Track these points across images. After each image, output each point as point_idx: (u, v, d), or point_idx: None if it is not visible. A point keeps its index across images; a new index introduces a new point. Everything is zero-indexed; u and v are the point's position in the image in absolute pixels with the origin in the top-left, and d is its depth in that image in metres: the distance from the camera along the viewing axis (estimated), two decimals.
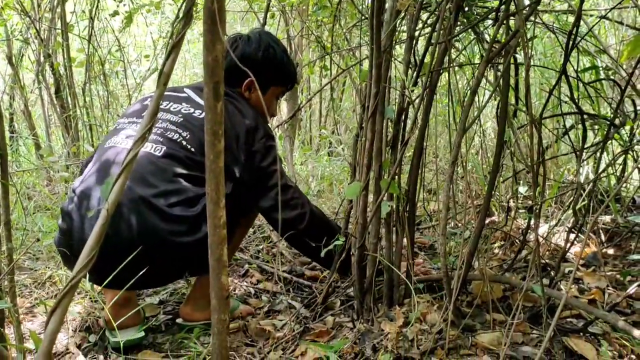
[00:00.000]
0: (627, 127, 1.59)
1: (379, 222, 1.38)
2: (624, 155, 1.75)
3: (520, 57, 1.65)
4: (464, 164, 2.06)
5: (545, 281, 1.40)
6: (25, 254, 1.98)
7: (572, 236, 1.45)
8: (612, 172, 2.02)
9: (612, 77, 1.80)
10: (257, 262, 2.02)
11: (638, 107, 1.52)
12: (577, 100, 1.50)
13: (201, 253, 1.15)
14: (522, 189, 2.32)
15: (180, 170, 1.34)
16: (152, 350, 1.38)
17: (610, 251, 1.86)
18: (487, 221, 1.86)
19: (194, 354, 1.31)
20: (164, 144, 1.37)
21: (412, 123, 1.32)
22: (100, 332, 1.42)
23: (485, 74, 1.48)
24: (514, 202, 2.07)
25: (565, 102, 1.73)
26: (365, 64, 2.32)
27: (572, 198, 1.93)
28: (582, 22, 1.36)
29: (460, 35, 1.93)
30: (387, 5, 1.33)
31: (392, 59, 1.49)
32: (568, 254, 1.69)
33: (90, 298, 1.58)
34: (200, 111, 1.45)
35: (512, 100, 1.58)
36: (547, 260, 1.69)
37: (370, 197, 1.43)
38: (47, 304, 1.52)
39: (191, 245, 1.29)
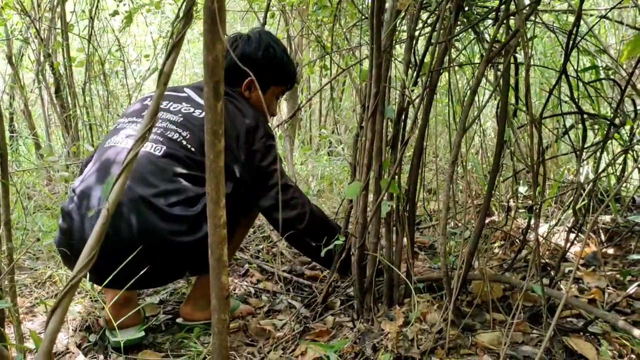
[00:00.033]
0: (627, 127, 1.59)
1: (379, 221, 1.38)
2: (624, 155, 1.75)
3: (520, 57, 1.65)
4: (464, 163, 2.06)
5: (545, 281, 1.40)
6: (25, 253, 1.98)
7: (572, 236, 1.45)
8: (612, 172, 2.02)
9: (612, 76, 1.80)
10: (257, 261, 2.02)
11: (638, 107, 1.52)
12: (577, 100, 1.50)
13: (201, 253, 1.15)
14: (522, 189, 2.32)
15: (180, 169, 1.34)
16: (152, 350, 1.38)
17: (610, 251, 1.86)
18: (487, 221, 1.86)
19: (194, 353, 1.31)
20: (164, 144, 1.37)
21: (412, 123, 1.32)
22: (100, 332, 1.42)
23: (485, 73, 1.48)
24: (514, 201, 2.07)
25: (565, 102, 1.73)
26: (365, 64, 2.32)
27: (572, 198, 1.93)
28: (582, 22, 1.36)
29: (461, 35, 1.93)
30: (387, 5, 1.33)
31: (392, 58, 1.49)
32: (568, 253, 1.69)
33: (91, 298, 1.58)
34: (200, 111, 1.45)
35: (512, 100, 1.58)
36: (547, 260, 1.70)
37: (371, 197, 1.43)
38: (47, 303, 1.52)
39: (191, 245, 1.29)
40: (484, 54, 1.34)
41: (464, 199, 2.40)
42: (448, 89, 2.01)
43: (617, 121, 1.49)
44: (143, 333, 1.40)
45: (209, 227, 0.69)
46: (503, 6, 1.22)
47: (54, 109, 3.43)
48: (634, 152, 1.70)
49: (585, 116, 1.50)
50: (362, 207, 1.36)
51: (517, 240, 1.91)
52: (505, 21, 1.23)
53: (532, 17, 1.66)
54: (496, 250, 1.96)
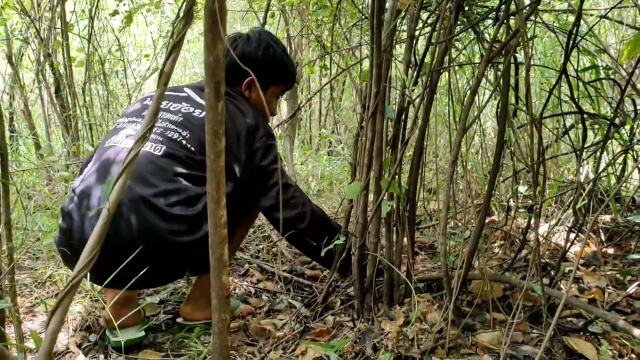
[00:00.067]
0: (627, 127, 1.59)
1: (379, 221, 1.39)
2: (624, 155, 1.75)
3: (520, 57, 1.65)
4: (464, 163, 2.06)
5: (546, 280, 1.40)
6: (25, 253, 1.98)
7: (572, 235, 1.45)
8: (612, 172, 2.02)
9: (612, 76, 1.80)
10: (257, 261, 2.02)
11: (638, 107, 1.52)
12: (577, 100, 1.50)
13: (201, 252, 1.15)
14: (522, 189, 2.32)
15: (180, 169, 1.34)
16: (153, 350, 1.38)
17: (610, 250, 1.86)
18: (487, 220, 1.86)
19: (194, 353, 1.31)
20: (164, 144, 1.37)
21: (412, 122, 1.32)
22: (100, 332, 1.42)
23: (486, 73, 1.48)
24: (514, 201, 2.07)
25: (565, 102, 1.73)
26: (366, 64, 2.33)
27: (572, 197, 1.93)
28: (582, 22, 1.36)
29: (461, 35, 1.93)
30: (387, 5, 1.33)
31: (393, 58, 1.49)
32: (568, 253, 1.69)
33: (91, 297, 1.58)
34: (200, 110, 1.45)
35: (512, 100, 1.58)
36: (547, 260, 1.70)
37: (371, 197, 1.43)
38: (47, 303, 1.52)
39: (191, 245, 1.29)
40: (484, 53, 1.34)
41: (464, 198, 2.40)
42: (448, 88, 2.01)
43: (617, 121, 1.49)
44: (143, 333, 1.40)
45: (210, 226, 0.69)
46: (503, 6, 1.22)
47: (54, 108, 3.43)
48: (634, 152, 1.70)
49: (585, 116, 1.50)
50: (362, 206, 1.36)
51: (517, 240, 1.91)
52: (505, 21, 1.23)
53: (532, 17, 1.66)
54: (496, 250, 1.96)
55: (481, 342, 1.23)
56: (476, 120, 1.93)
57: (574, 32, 1.27)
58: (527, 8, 1.13)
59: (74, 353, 1.34)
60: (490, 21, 1.66)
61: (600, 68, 1.90)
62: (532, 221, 1.38)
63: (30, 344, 1.34)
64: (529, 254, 1.73)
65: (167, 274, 1.41)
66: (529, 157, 1.25)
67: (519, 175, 2.34)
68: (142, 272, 1.23)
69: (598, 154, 1.60)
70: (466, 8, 1.52)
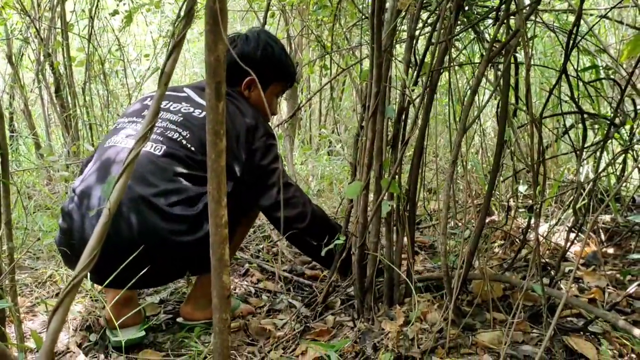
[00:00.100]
0: (627, 127, 1.59)
1: (379, 221, 1.39)
2: (624, 155, 1.75)
3: (520, 57, 1.65)
4: (464, 163, 2.06)
5: (546, 280, 1.40)
6: (26, 253, 1.99)
7: (572, 235, 1.45)
8: (612, 172, 2.02)
9: (612, 76, 1.80)
10: (257, 261, 2.02)
11: (638, 107, 1.52)
12: (577, 100, 1.50)
13: (202, 252, 1.14)
14: (522, 188, 2.32)
15: (180, 169, 1.35)
16: (153, 350, 1.38)
17: (610, 250, 1.86)
18: (487, 220, 1.86)
19: (194, 353, 1.31)
20: (164, 143, 1.37)
21: (412, 122, 1.32)
22: (101, 331, 1.42)
23: (486, 73, 1.48)
24: (514, 201, 2.07)
25: (566, 102, 1.73)
26: (366, 64, 2.32)
27: (572, 197, 1.93)
28: (582, 22, 1.36)
29: (461, 35, 1.93)
30: (387, 5, 1.33)
31: (393, 58, 1.50)
32: (568, 253, 1.69)
33: (91, 297, 1.58)
34: (200, 110, 1.46)
35: (512, 100, 1.58)
36: (547, 260, 1.70)
37: (371, 197, 1.43)
38: (48, 303, 1.52)
39: (192, 245, 1.29)
40: (484, 53, 1.34)
41: (464, 198, 2.40)
42: (448, 88, 2.01)
43: (617, 121, 1.49)
44: (143, 332, 1.40)
45: (211, 226, 0.69)
46: (503, 6, 1.22)
47: (54, 108, 3.43)
48: (634, 151, 1.70)
49: (585, 116, 1.50)
50: (362, 206, 1.36)
51: (517, 239, 1.91)
52: (505, 21, 1.23)
53: (532, 17, 1.66)
54: (496, 250, 1.96)
55: (481, 342, 1.23)
56: (476, 120, 1.93)
57: (574, 32, 1.27)
58: (527, 8, 1.13)
59: (74, 353, 1.34)
60: (490, 21, 1.66)
61: (600, 68, 1.90)
62: (532, 221, 1.38)
63: (30, 343, 1.34)
64: (529, 254, 1.73)
65: (168, 273, 1.41)
66: (529, 157, 1.25)
67: (519, 175, 2.34)
68: (142, 272, 1.23)
69: (598, 153, 1.60)
70: (466, 8, 1.52)
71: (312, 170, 3.33)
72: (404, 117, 1.40)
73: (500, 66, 1.41)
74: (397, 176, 1.35)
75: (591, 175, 2.13)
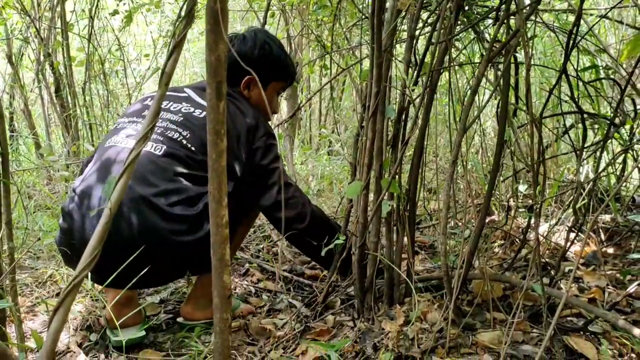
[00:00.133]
0: (627, 127, 1.60)
1: (379, 221, 1.39)
2: (624, 155, 1.75)
3: (520, 57, 1.65)
4: (464, 163, 2.07)
5: (546, 280, 1.40)
6: (26, 253, 1.99)
7: (572, 235, 1.45)
8: (612, 171, 2.02)
9: (612, 76, 1.80)
10: (257, 261, 2.02)
11: (638, 106, 1.53)
12: (577, 100, 1.50)
13: (202, 252, 1.15)
14: (522, 188, 2.32)
15: (180, 169, 1.35)
16: (153, 349, 1.38)
17: (610, 250, 1.86)
18: (487, 220, 1.86)
19: (194, 353, 1.32)
20: (164, 143, 1.37)
21: (412, 122, 1.33)
22: (101, 331, 1.42)
23: (486, 73, 1.49)
24: (514, 201, 2.07)
25: (566, 102, 1.73)
26: (366, 63, 2.32)
27: (572, 197, 1.93)
28: (582, 22, 1.36)
29: (461, 35, 1.93)
30: (387, 5, 1.33)
31: (393, 58, 1.50)
32: (568, 253, 1.69)
33: (91, 297, 1.58)
34: (200, 110, 1.46)
35: (512, 100, 1.58)
36: (547, 259, 1.70)
37: (371, 196, 1.43)
38: (48, 302, 1.52)
39: (192, 245, 1.29)
40: (484, 53, 1.34)
41: (464, 198, 2.40)
42: (448, 88, 2.01)
43: (617, 121, 1.49)
44: (144, 332, 1.40)
45: (212, 226, 0.69)
46: (503, 6, 1.22)
47: (54, 108, 3.43)
48: (634, 151, 1.70)
49: (585, 116, 1.50)
50: (362, 206, 1.36)
51: (517, 239, 1.91)
52: (505, 21, 1.23)
53: (532, 17, 1.66)
54: (496, 250, 1.97)
55: (481, 342, 1.23)
56: (476, 120, 1.93)
57: (574, 32, 1.27)
58: (527, 8, 1.13)
59: (74, 352, 1.34)
60: (490, 21, 1.66)
61: (600, 68, 1.90)
62: (532, 221, 1.38)
63: (31, 343, 1.34)
64: (529, 254, 1.73)
65: (168, 273, 1.41)
66: (529, 156, 1.25)
67: (519, 175, 2.34)
68: (143, 272, 1.23)
69: (598, 153, 1.60)
70: (466, 8, 1.52)
71: (312, 170, 3.33)
72: (404, 117, 1.40)
73: (500, 66, 1.41)
74: (397, 176, 1.35)
75: (591, 175, 2.13)
